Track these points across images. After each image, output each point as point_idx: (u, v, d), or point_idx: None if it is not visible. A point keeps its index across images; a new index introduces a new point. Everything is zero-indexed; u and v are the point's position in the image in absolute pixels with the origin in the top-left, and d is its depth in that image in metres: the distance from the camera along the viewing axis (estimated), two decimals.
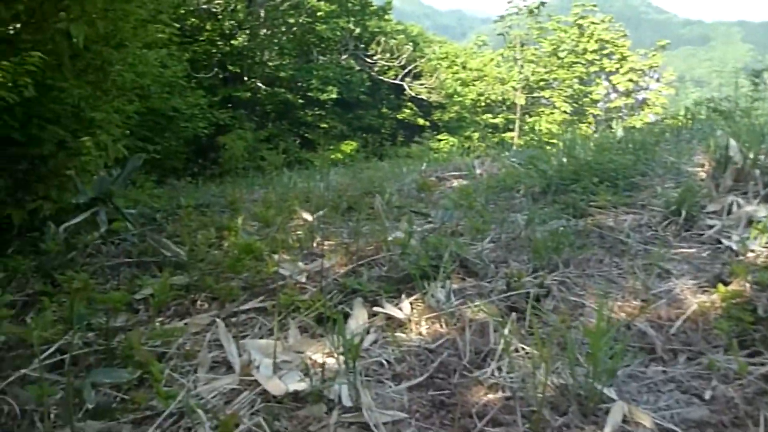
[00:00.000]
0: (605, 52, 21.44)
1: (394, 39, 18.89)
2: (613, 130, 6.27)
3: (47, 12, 3.44)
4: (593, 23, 21.55)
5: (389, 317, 2.43)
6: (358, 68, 18.61)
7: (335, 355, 2.10)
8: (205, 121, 12.57)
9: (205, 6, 15.66)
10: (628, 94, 21.20)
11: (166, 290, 2.63)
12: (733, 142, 3.59)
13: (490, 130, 20.32)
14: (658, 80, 22.16)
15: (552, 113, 20.32)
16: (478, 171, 5.63)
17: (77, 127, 3.65)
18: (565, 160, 4.27)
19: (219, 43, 16.14)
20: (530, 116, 20.68)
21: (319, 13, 17.57)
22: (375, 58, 18.28)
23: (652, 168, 3.99)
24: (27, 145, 3.42)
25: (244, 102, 16.68)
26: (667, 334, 2.10)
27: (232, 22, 16.43)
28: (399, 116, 19.92)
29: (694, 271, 2.56)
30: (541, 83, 21.09)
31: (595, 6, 22.21)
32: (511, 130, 20.04)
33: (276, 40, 17.45)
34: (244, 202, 5.07)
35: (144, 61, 5.09)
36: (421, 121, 20.09)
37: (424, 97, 19.00)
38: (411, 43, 19.19)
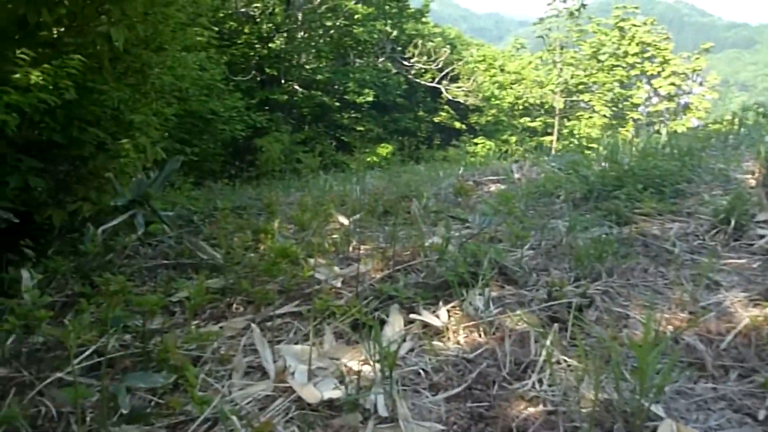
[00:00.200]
0: (647, 55, 21.01)
1: (432, 42, 18.82)
2: (657, 135, 6.13)
3: (88, 15, 3.48)
4: (634, 26, 21.14)
5: (426, 325, 2.38)
6: (394, 71, 18.58)
7: (371, 362, 2.06)
8: (242, 124, 12.67)
9: (243, 9, 15.81)
10: (670, 98, 20.74)
11: (202, 293, 2.62)
12: None
13: (527, 134, 20.08)
14: (701, 84, 21.64)
15: (591, 117, 20.00)
16: (516, 175, 5.54)
17: (116, 129, 3.68)
18: (605, 165, 4.17)
19: (257, 46, 16.27)
20: (569, 120, 20.38)
21: (356, 16, 17.58)
22: (412, 60, 18.24)
23: (698, 175, 3.86)
24: (67, 147, 3.46)
25: (281, 105, 16.78)
26: (717, 349, 2.01)
27: (270, 25, 16.55)
28: (435, 119, 19.83)
29: (745, 283, 2.45)
30: (581, 86, 20.78)
31: (636, 8, 21.82)
32: (549, 134, 19.77)
33: (313, 43, 17.52)
34: (281, 205, 5.07)
35: (183, 64, 5.13)
36: (457, 125, 19.97)
37: (461, 100, 18.88)
38: (448, 46, 19.08)
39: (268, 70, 16.79)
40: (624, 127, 19.95)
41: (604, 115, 20.08)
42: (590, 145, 12.41)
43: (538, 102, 20.71)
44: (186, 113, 9.25)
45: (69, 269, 3.16)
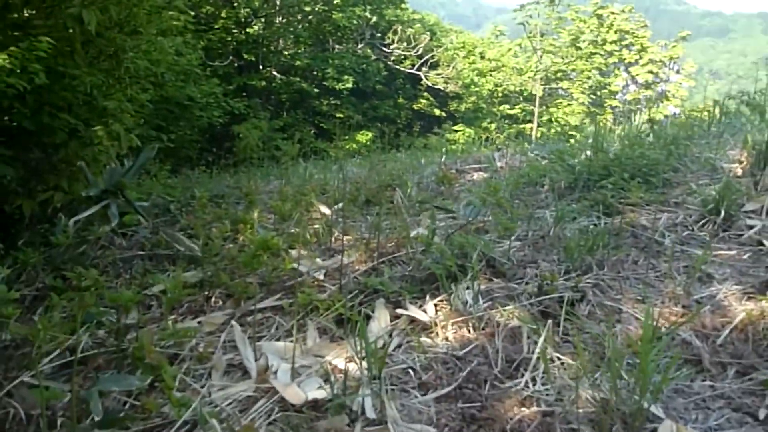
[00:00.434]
0: (625, 43, 21.05)
1: (411, 28, 18.67)
2: (644, 123, 6.10)
3: None
4: (613, 13, 21.16)
5: (413, 320, 2.30)
6: (374, 57, 18.43)
7: (357, 360, 1.98)
8: (219, 110, 12.47)
9: None
10: (647, 86, 20.81)
11: (180, 288, 2.52)
12: None
13: (507, 122, 20.04)
14: (678, 72, 21.74)
15: (570, 105, 20.01)
16: (498, 164, 5.48)
17: (89, 116, 3.53)
18: (590, 153, 4.11)
19: (234, 31, 16.03)
20: (548, 107, 20.37)
21: (335, 2, 17.37)
22: (392, 47, 18.10)
23: (684, 164, 3.82)
24: (38, 134, 3.32)
25: (259, 91, 16.57)
26: (714, 345, 1.95)
27: (248, 9, 16.29)
28: (415, 106, 19.72)
29: (738, 276, 2.40)
30: (559, 74, 20.77)
31: None
32: (529, 122, 19.75)
33: (292, 29, 17.30)
34: (260, 194, 4.95)
35: (159, 48, 4.97)
36: (437, 112, 19.88)
37: (440, 87, 18.79)
38: (428, 33, 18.95)
39: (245, 56, 16.56)
40: (602, 114, 20.01)
41: (583, 103, 20.11)
42: (571, 133, 12.40)
43: (517, 89, 20.67)
44: (162, 99, 9.05)
45: (39, 261, 3.03)
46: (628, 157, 3.64)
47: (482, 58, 20.71)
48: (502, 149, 6.67)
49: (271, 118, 15.46)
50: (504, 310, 2.22)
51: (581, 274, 2.46)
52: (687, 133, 4.49)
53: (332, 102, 18.18)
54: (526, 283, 2.45)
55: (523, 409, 1.73)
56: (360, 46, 18.28)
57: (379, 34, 18.60)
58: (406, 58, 18.45)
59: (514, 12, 20.45)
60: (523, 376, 1.87)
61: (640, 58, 20.97)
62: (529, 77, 20.46)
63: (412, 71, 18.49)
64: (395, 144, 14.28)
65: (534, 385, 1.83)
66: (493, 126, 19.09)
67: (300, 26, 17.63)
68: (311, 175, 6.02)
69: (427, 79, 18.55)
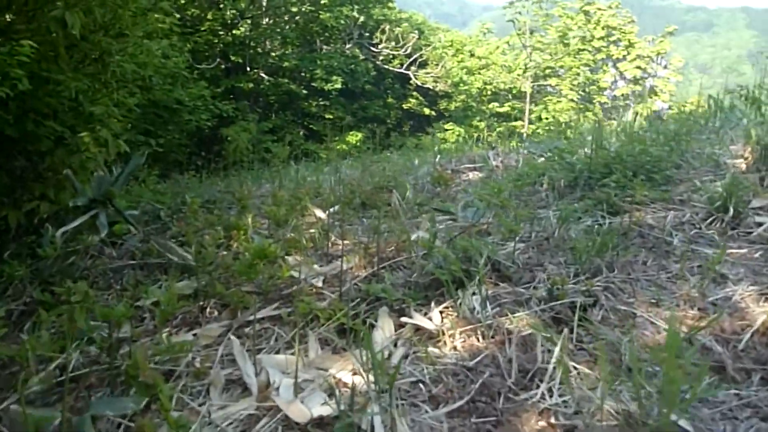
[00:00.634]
0: (612, 38, 21.07)
1: (399, 27, 18.58)
2: (631, 119, 6.03)
3: None
4: (600, 9, 21.17)
5: (418, 328, 2.21)
6: (362, 57, 18.32)
7: (363, 373, 1.89)
8: (208, 113, 12.32)
9: None
10: (636, 81, 20.82)
11: (174, 300, 2.42)
12: None
13: (496, 120, 19.98)
14: (665, 67, 21.78)
15: (559, 101, 19.98)
16: (493, 163, 5.40)
17: (75, 122, 3.42)
18: (588, 151, 4.03)
19: (221, 33, 15.88)
20: (536, 105, 20.34)
21: (322, 2, 17.25)
22: (380, 46, 18.00)
23: (686, 160, 3.75)
24: (23, 142, 3.21)
25: (247, 93, 16.42)
26: (735, 350, 1.87)
27: (234, 11, 16.14)
28: (405, 106, 19.64)
29: (752, 276, 2.33)
30: (548, 71, 20.75)
31: None
32: (518, 119, 19.71)
33: (279, 30, 17.17)
34: (252, 198, 4.85)
35: (146, 51, 4.86)
36: (427, 111, 19.80)
37: (430, 86, 18.72)
38: (416, 32, 18.87)
39: (233, 58, 16.42)
40: (591, 111, 20.01)
41: (572, 100, 20.10)
42: (560, 130, 12.33)
43: (506, 87, 20.63)
44: (150, 103, 8.92)
45: (26, 274, 2.92)
46: (629, 153, 3.56)
47: (472, 56, 20.64)
48: (496, 148, 6.59)
49: (260, 121, 15.33)
50: (514, 317, 2.13)
51: (590, 277, 2.37)
52: (686, 128, 4.42)
53: (321, 103, 18.06)
54: (534, 288, 2.37)
55: (541, 422, 1.64)
56: (348, 46, 18.17)
57: (367, 34, 18.50)
58: (394, 57, 18.36)
59: (503, 9, 20.41)
60: (538, 387, 1.78)
61: (628, 53, 21.00)
62: (518, 75, 20.43)
63: (401, 71, 18.41)
64: (386, 144, 14.20)
65: (551, 396, 1.74)
66: (483, 124, 19.02)
67: (287, 27, 17.50)
68: (303, 178, 5.92)
69: (416, 79, 18.47)
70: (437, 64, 18.94)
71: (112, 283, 3.13)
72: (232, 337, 2.27)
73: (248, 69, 16.52)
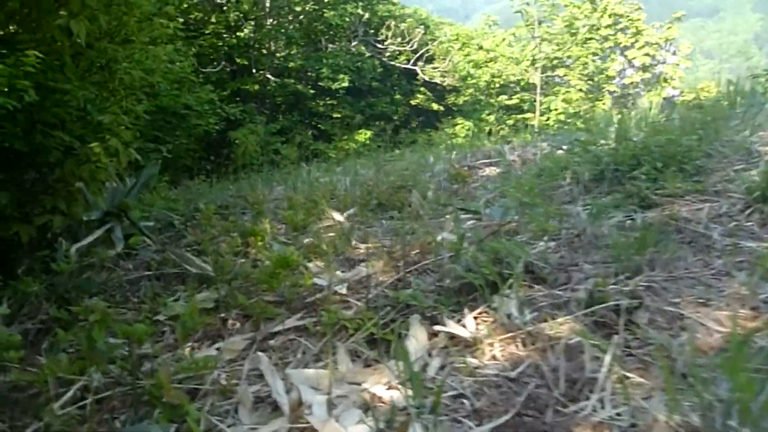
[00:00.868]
0: (620, 26, 20.84)
1: (404, 23, 18.43)
2: (649, 107, 5.89)
3: (45, 8, 3.13)
4: None
5: (452, 336, 2.10)
6: (368, 54, 18.17)
7: (399, 387, 1.78)
8: (215, 117, 12.25)
9: None
10: (645, 68, 20.58)
11: (195, 314, 2.32)
12: None
13: (506, 112, 19.79)
14: (674, 53, 21.53)
15: (568, 92, 19.78)
16: (510, 157, 5.28)
17: (84, 132, 3.33)
18: (610, 142, 3.90)
19: (225, 35, 15.79)
20: (546, 96, 20.15)
21: (326, 0, 17.15)
22: (386, 43, 17.87)
23: (715, 148, 3.62)
24: (32, 155, 3.12)
25: (254, 95, 16.34)
26: None
27: (238, 13, 16.05)
28: (412, 102, 19.45)
29: None
30: (555, 62, 20.55)
31: None
32: (528, 111, 19.52)
33: (283, 30, 17.04)
34: (266, 202, 4.76)
35: (152, 56, 4.77)
36: (435, 106, 19.62)
37: (437, 81, 18.56)
38: (421, 27, 18.71)
39: (238, 60, 16.33)
40: (600, 100, 19.82)
41: (581, 89, 19.89)
42: (574, 121, 12.17)
43: (515, 79, 20.44)
44: (157, 109, 8.85)
45: (41, 291, 2.83)
46: (657, 144, 3.43)
47: (480, 48, 20.45)
48: (511, 141, 6.47)
49: (268, 122, 15.23)
50: (554, 323, 2.02)
51: (631, 277, 2.26)
52: (713, 116, 4.28)
53: (328, 102, 17.92)
54: (572, 290, 2.25)
55: None
56: (353, 43, 18.04)
57: (372, 31, 18.36)
58: (400, 53, 18.22)
59: (510, 0, 20.22)
60: (588, 398, 1.67)
61: (636, 41, 20.75)
62: (526, 66, 20.25)
63: (408, 66, 18.26)
64: (395, 141, 14.08)
65: (603, 408, 1.62)
66: (492, 117, 18.85)
67: (291, 27, 17.38)
68: (316, 179, 5.83)
69: (424, 74, 18.32)
70: (444, 59, 18.78)
71: (129, 296, 3.04)
72: (259, 354, 2.16)
73: (254, 71, 16.44)
